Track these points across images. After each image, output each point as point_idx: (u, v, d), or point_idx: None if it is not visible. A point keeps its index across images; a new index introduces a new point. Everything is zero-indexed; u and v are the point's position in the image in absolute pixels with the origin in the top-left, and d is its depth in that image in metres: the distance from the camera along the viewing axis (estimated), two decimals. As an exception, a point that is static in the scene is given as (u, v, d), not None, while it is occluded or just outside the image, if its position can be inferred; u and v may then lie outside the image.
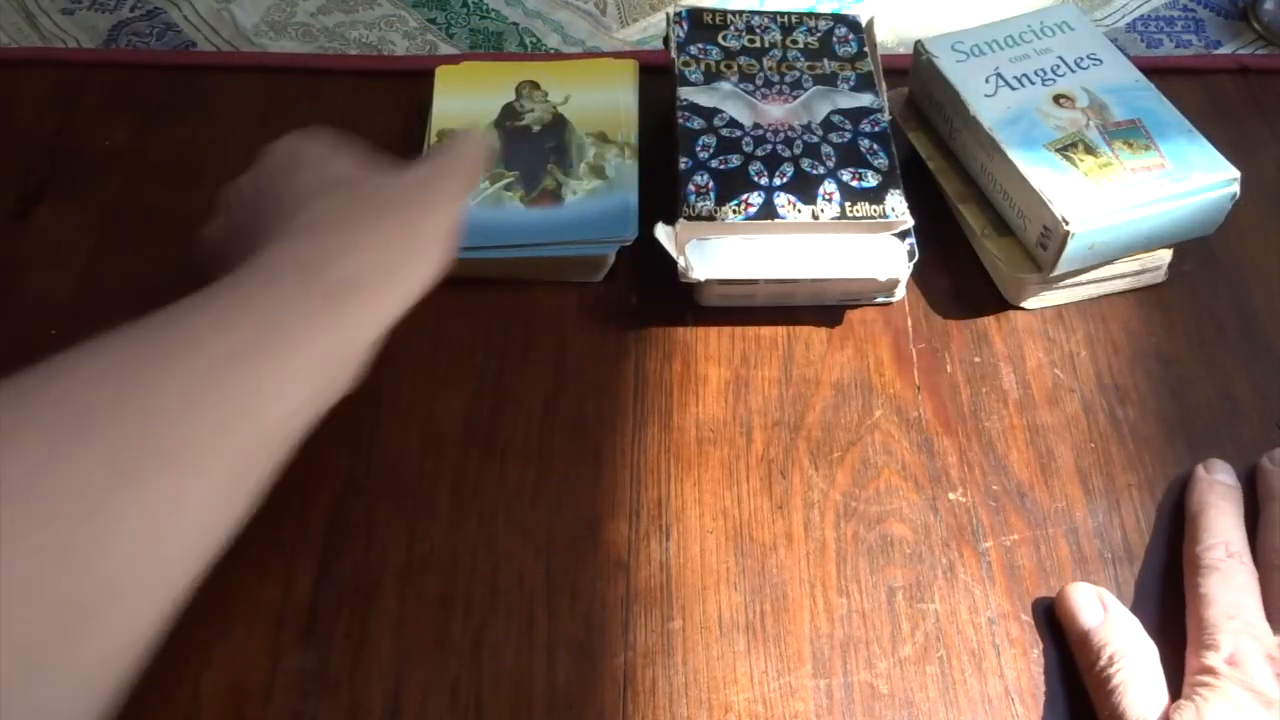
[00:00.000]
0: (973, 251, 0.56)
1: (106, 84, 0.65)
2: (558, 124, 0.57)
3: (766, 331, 0.53)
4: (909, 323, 0.54)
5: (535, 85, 0.58)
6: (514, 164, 0.55)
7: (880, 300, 0.54)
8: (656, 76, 0.60)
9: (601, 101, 0.58)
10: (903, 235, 0.51)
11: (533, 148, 0.56)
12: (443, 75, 0.60)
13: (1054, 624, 0.44)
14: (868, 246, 0.51)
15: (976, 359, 0.53)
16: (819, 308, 0.54)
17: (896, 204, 0.51)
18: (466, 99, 0.58)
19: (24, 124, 0.63)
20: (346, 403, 0.51)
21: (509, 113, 0.57)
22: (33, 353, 0.53)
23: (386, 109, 0.63)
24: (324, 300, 0.37)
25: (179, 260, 0.56)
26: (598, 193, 0.54)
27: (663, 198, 0.53)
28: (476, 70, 0.61)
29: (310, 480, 0.48)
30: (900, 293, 0.54)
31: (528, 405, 0.50)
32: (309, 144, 0.45)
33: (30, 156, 0.61)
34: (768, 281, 0.51)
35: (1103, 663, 0.41)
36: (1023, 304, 0.54)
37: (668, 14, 0.60)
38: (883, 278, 0.51)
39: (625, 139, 0.56)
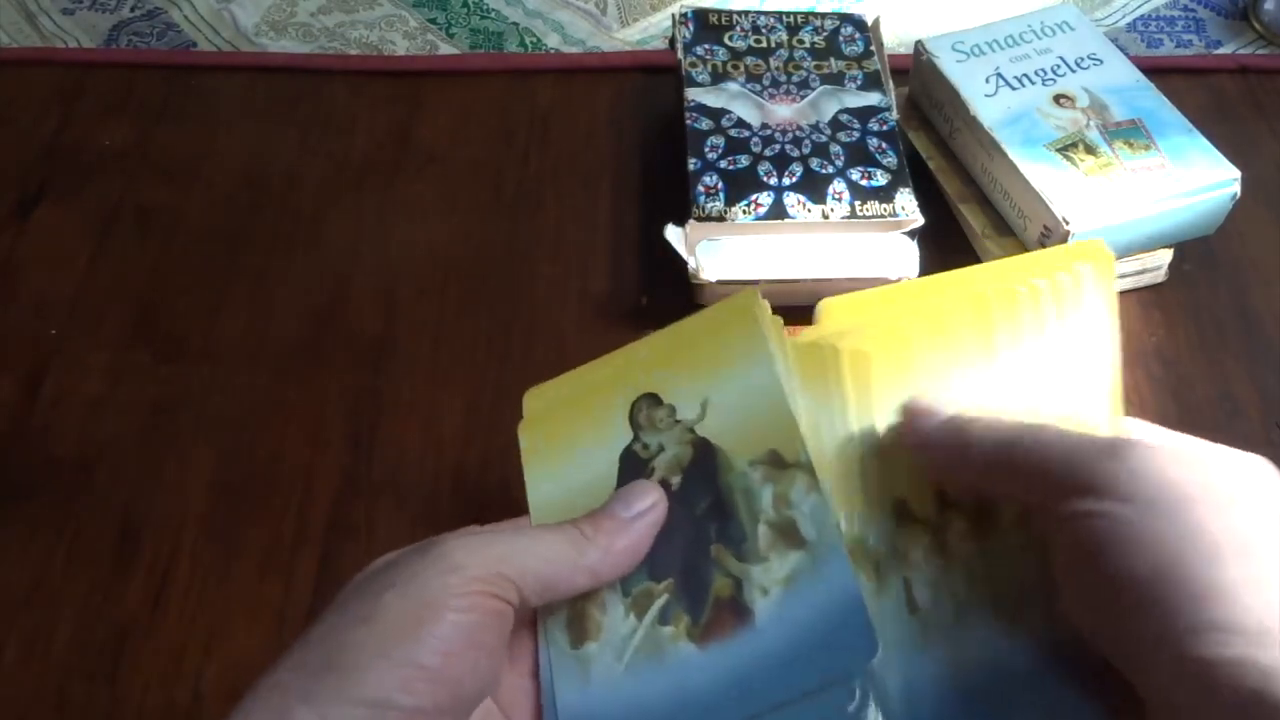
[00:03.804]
0: (973, 251, 0.56)
1: (106, 84, 0.65)
2: (704, 461, 0.34)
3: (767, 331, 0.53)
4: (909, 323, 0.54)
5: (655, 400, 0.35)
6: (660, 567, 0.32)
7: (881, 300, 0.54)
8: (662, 76, 0.60)
9: (748, 390, 0.34)
10: (912, 234, 0.51)
11: (680, 524, 0.33)
12: (529, 425, 0.37)
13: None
14: (878, 245, 0.51)
15: (977, 359, 0.53)
16: (820, 307, 0.54)
17: (906, 202, 0.51)
18: (565, 456, 0.36)
19: (24, 124, 0.62)
20: (347, 402, 0.51)
21: (631, 465, 0.34)
22: (33, 352, 0.53)
23: (387, 109, 0.63)
24: None
25: (178, 260, 0.56)
26: (800, 580, 0.31)
27: (672, 199, 0.53)
28: (566, 392, 0.37)
29: (310, 480, 0.48)
30: (901, 293, 0.54)
31: (528, 405, 0.50)
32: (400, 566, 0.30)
33: (30, 156, 0.61)
34: (769, 281, 0.51)
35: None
36: (1023, 304, 0.54)
37: (674, 15, 0.60)
38: (894, 276, 0.51)
39: (798, 449, 0.32)
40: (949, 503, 0.32)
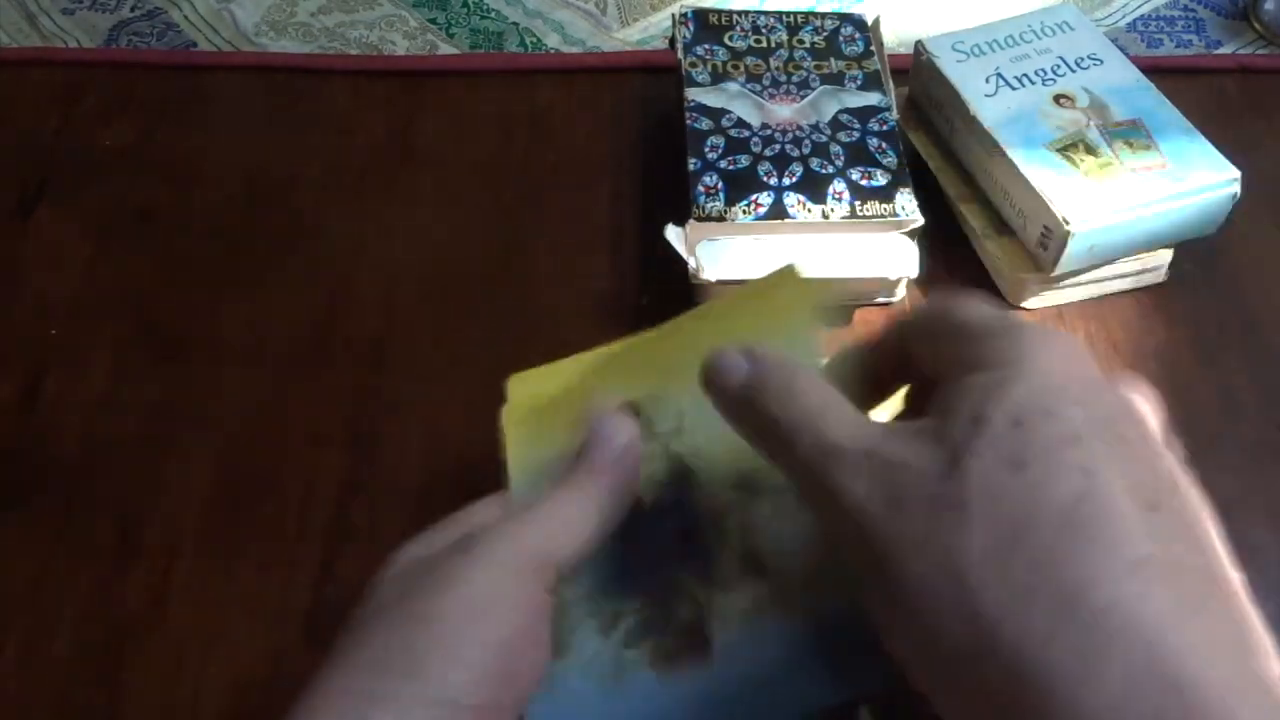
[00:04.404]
0: (973, 251, 0.56)
1: (106, 84, 0.64)
2: (679, 482, 0.34)
3: (767, 331, 0.53)
4: (909, 323, 0.54)
5: (633, 412, 0.34)
6: (630, 584, 0.32)
7: (881, 300, 0.54)
8: (662, 76, 0.60)
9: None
10: (912, 234, 0.52)
11: (651, 541, 0.33)
12: (514, 412, 0.38)
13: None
14: (878, 245, 0.51)
15: (977, 359, 0.53)
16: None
17: (906, 202, 0.51)
18: (547, 453, 0.35)
19: (24, 124, 0.62)
20: (347, 402, 0.51)
21: None
22: (33, 352, 0.53)
23: (386, 109, 0.63)
24: None
25: (178, 260, 0.56)
26: (760, 611, 0.31)
27: (672, 199, 0.53)
28: (549, 385, 0.38)
29: (311, 480, 0.48)
30: (901, 292, 0.54)
31: (528, 405, 0.50)
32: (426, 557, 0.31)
33: (30, 156, 0.61)
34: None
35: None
36: (1023, 304, 0.54)
37: (674, 15, 0.60)
38: (894, 276, 0.51)
39: (768, 474, 0.29)
40: None
